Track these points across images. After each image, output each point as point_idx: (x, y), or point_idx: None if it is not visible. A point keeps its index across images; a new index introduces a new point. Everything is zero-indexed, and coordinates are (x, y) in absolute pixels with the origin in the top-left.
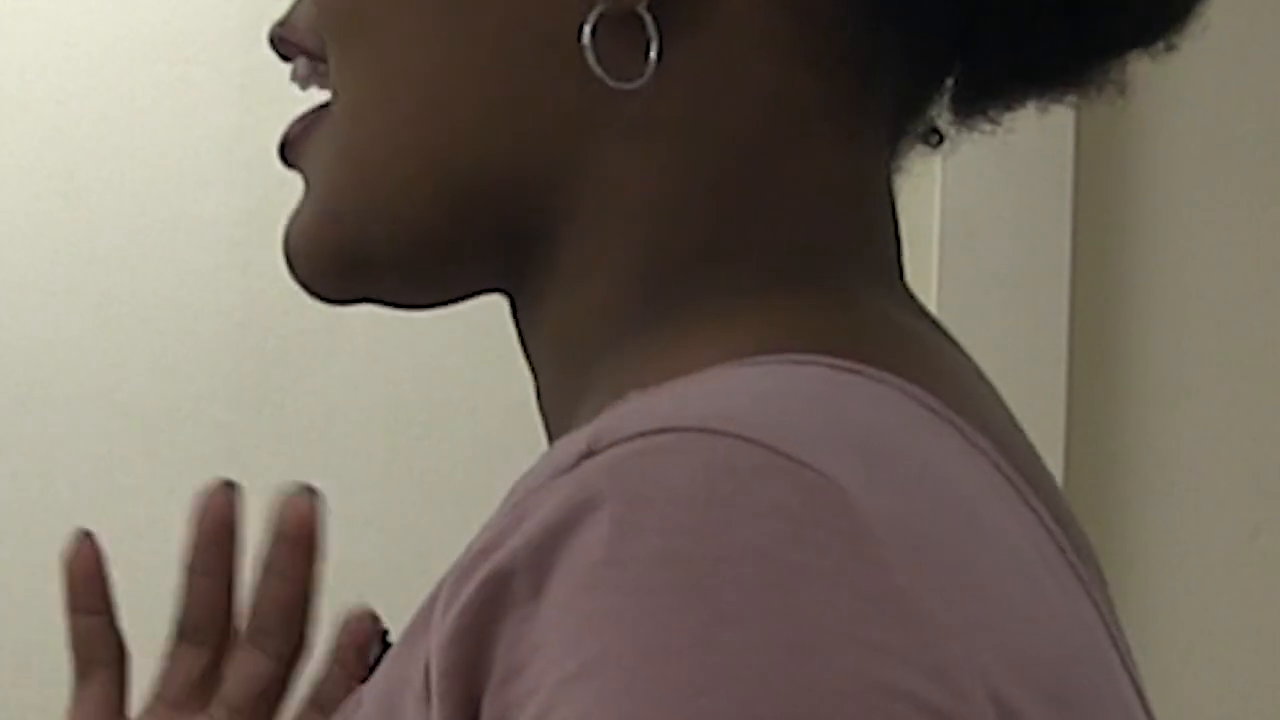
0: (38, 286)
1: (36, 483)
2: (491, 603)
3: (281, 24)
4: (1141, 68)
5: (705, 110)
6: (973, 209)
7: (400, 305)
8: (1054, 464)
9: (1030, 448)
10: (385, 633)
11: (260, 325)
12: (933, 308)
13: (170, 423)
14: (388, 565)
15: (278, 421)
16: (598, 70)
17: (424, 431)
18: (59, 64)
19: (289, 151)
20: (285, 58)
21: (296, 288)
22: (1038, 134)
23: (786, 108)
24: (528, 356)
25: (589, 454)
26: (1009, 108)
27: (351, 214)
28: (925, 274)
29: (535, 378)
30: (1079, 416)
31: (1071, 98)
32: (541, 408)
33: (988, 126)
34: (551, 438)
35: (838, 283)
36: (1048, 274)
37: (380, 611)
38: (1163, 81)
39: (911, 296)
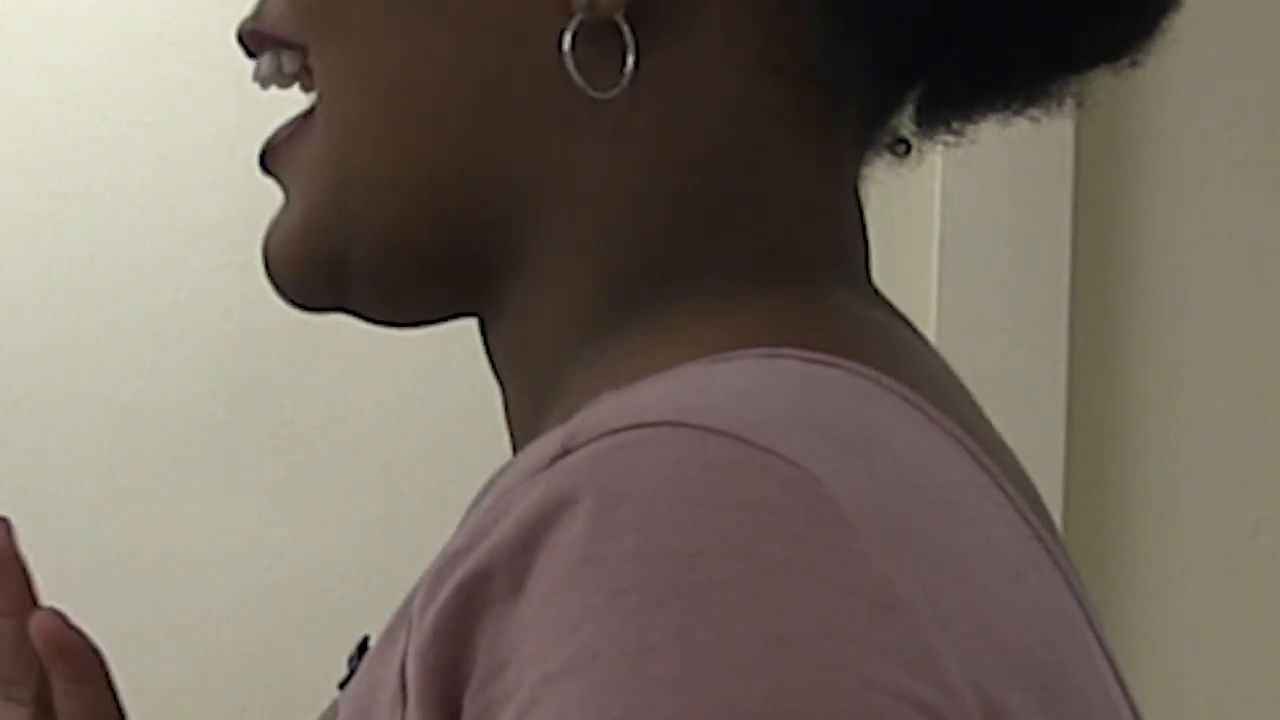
0: (38, 286)
1: (36, 483)
2: (470, 603)
3: (253, 18)
4: (1142, 67)
5: (678, 119)
6: (973, 209)
7: (374, 320)
8: (1054, 464)
9: (997, 435)
10: (366, 639)
11: (260, 325)
12: (933, 308)
13: (170, 423)
14: (388, 566)
15: (278, 421)
16: (578, 79)
17: (424, 432)
18: (59, 64)
19: (269, 158)
20: (252, 55)
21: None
22: (1038, 134)
23: (756, 117)
24: (496, 374)
25: (564, 452)
26: (970, 120)
27: (330, 218)
28: (925, 274)
29: (504, 393)
30: (1079, 417)
31: (1033, 112)
32: (509, 423)
33: (950, 138)
34: (518, 452)
35: (807, 283)
36: (1048, 274)
37: (382, 613)
38: (1162, 80)
39: (881, 297)
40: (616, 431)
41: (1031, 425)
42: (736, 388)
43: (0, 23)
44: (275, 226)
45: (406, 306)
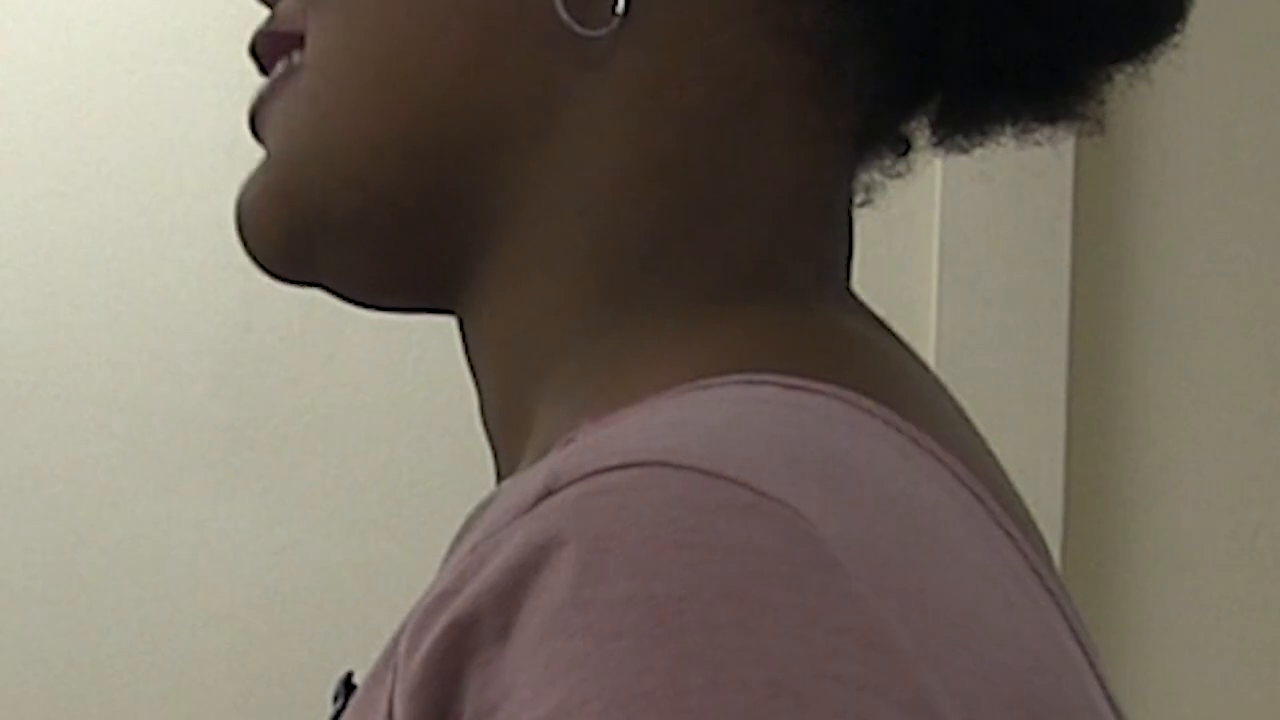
0: (38, 286)
1: (36, 483)
2: (457, 647)
3: (267, 25)
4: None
5: (668, 80)
6: (973, 212)
7: (347, 295)
8: (1054, 464)
9: (988, 450)
10: (350, 675)
11: (260, 325)
12: (933, 311)
13: (170, 423)
14: (388, 567)
15: (278, 421)
16: (564, 14)
17: (424, 433)
18: (58, 64)
19: (256, 121)
20: (265, 71)
21: (296, 288)
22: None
23: (752, 80)
24: (472, 370)
25: (547, 493)
26: (984, 130)
27: (306, 169)
28: (925, 278)
29: (479, 390)
30: (1079, 418)
31: (1047, 129)
32: (485, 422)
33: (963, 142)
34: (496, 452)
35: (791, 290)
36: (1048, 277)
37: (380, 614)
38: (1162, 82)
39: (859, 302)
40: (601, 472)
41: (1031, 426)
42: (719, 421)
43: (0, 23)
44: (249, 184)
45: (379, 276)
